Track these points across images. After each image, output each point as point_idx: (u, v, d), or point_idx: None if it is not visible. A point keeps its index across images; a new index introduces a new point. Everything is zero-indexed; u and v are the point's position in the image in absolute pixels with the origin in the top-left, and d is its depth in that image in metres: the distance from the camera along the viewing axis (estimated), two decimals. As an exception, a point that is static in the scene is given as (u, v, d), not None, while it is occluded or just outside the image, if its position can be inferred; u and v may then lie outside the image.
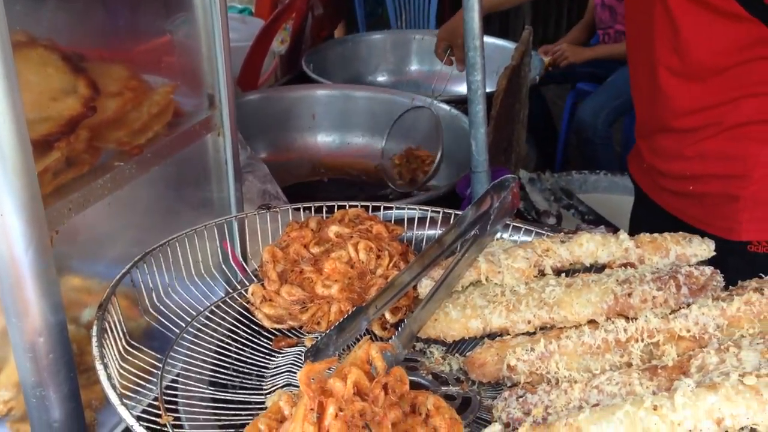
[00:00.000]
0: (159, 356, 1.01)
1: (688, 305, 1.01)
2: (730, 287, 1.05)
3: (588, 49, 4.26)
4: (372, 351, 0.87)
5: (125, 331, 0.99)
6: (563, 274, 1.16)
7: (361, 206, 1.33)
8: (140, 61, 1.19)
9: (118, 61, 1.15)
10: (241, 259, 1.31)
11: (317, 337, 1.12)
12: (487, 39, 3.24)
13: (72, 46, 1.08)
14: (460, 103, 2.80)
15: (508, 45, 3.22)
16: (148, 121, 1.15)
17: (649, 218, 1.85)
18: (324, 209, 1.33)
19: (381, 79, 3.62)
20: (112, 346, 0.94)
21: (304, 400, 0.78)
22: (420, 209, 1.37)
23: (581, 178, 3.18)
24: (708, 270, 1.04)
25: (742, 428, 0.82)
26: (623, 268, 1.13)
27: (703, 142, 1.60)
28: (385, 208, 1.39)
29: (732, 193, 1.60)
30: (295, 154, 2.91)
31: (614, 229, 2.09)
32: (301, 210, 1.32)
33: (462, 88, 3.40)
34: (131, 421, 0.80)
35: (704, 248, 1.14)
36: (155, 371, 0.99)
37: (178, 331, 1.07)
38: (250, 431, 0.85)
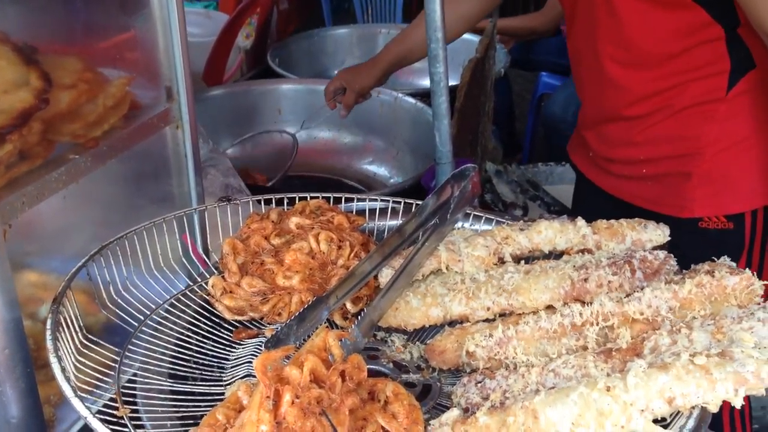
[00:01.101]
0: (118, 350, 1.00)
1: (643, 289, 1.03)
2: (683, 270, 1.07)
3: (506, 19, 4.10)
4: (329, 339, 0.87)
5: (82, 325, 0.98)
6: (522, 262, 1.17)
7: (322, 197, 1.33)
8: (95, 53, 1.18)
9: (72, 54, 1.14)
10: (201, 252, 1.30)
11: (278, 328, 1.12)
12: (451, 32, 3.26)
13: (24, 39, 1.06)
14: (425, 96, 2.81)
15: (473, 38, 3.24)
16: (103, 114, 1.14)
17: (593, 205, 1.92)
18: (285, 201, 1.33)
19: (347, 73, 3.60)
20: (67, 340, 0.93)
21: (260, 388, 0.78)
22: (381, 200, 1.37)
23: (547, 170, 3.21)
24: (662, 254, 1.06)
25: (692, 407, 0.84)
26: (581, 254, 1.15)
27: (654, 126, 1.65)
28: (347, 200, 1.39)
29: (685, 171, 1.64)
30: (262, 149, 2.90)
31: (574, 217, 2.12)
32: (262, 202, 1.32)
33: (425, 81, 3.43)
34: (85, 413, 0.80)
35: (659, 233, 1.16)
36: (115, 366, 0.98)
37: (137, 324, 1.06)
38: (208, 421, 0.85)
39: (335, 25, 4.19)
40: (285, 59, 3.32)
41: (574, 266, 1.08)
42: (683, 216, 1.66)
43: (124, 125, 1.18)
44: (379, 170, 2.81)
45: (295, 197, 1.33)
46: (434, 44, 1.86)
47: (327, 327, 0.90)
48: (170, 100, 1.29)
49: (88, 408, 0.82)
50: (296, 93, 2.95)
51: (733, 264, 1.05)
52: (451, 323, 1.12)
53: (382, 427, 0.86)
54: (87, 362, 0.96)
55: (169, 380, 1.00)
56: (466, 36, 3.41)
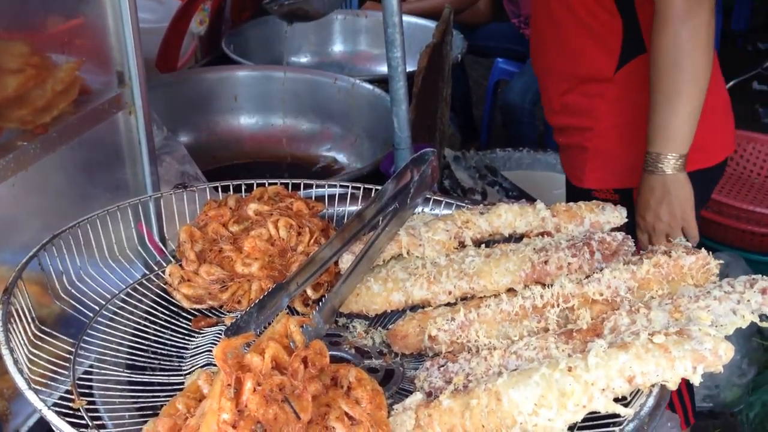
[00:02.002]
0: (73, 342, 0.98)
1: (602, 270, 1.04)
2: (641, 251, 1.08)
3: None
4: (290, 325, 0.86)
5: (35, 317, 0.95)
6: (483, 245, 1.17)
7: (281, 184, 1.32)
8: (43, 37, 1.14)
9: (18, 38, 1.10)
10: (158, 240, 1.28)
11: (238, 316, 1.10)
12: (408, 18, 3.26)
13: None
14: (382, 82, 2.80)
15: (429, 24, 3.24)
16: (52, 99, 1.10)
17: None
18: (243, 188, 1.31)
19: (304, 60, 3.58)
20: (19, 331, 0.90)
21: (221, 376, 0.76)
22: (340, 185, 1.36)
23: (505, 155, 3.23)
24: (620, 236, 1.07)
25: (652, 385, 0.85)
26: (540, 237, 1.15)
27: (564, 96, 1.79)
28: (305, 186, 1.37)
29: (583, 144, 1.77)
30: (217, 137, 2.85)
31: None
32: (219, 189, 1.30)
33: (383, 68, 3.42)
34: (39, 405, 0.77)
35: (616, 215, 1.18)
36: (70, 357, 0.95)
37: (92, 315, 1.04)
38: (168, 411, 0.83)
39: (291, 11, 4.13)
40: (240, 46, 3.27)
41: (534, 249, 1.08)
42: (582, 186, 1.81)
43: (74, 111, 1.15)
44: (338, 156, 2.79)
45: (253, 183, 1.31)
46: (391, 29, 1.85)
47: (288, 313, 0.89)
48: (122, 85, 1.26)
49: (43, 401, 0.79)
50: (252, 80, 2.91)
51: (689, 244, 1.07)
52: (413, 308, 1.12)
53: (346, 413, 0.85)
54: (41, 354, 0.93)
55: (126, 371, 0.98)
56: (423, 21, 3.42)
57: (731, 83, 4.96)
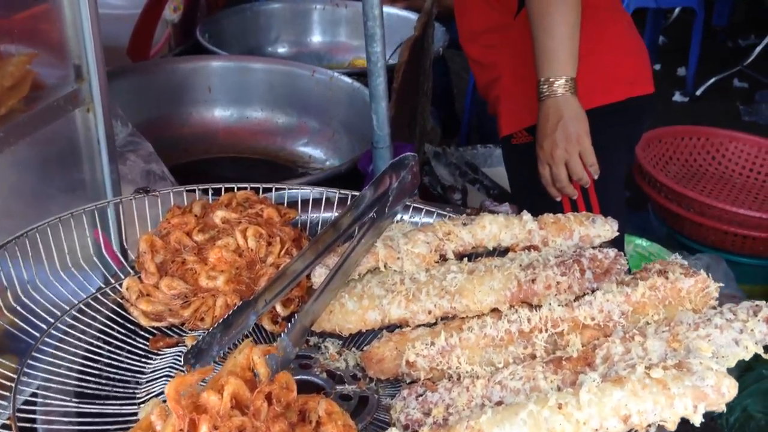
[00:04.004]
0: (15, 366, 0.89)
1: (593, 290, 0.97)
2: (633, 270, 1.01)
3: None
4: (254, 356, 0.78)
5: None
6: (465, 259, 1.10)
7: (251, 188, 1.23)
8: (-10, 28, 1.05)
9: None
10: (116, 250, 1.18)
11: (200, 336, 1.02)
12: (389, 10, 3.17)
13: None
14: (362, 75, 2.71)
15: (411, 16, 3.15)
16: (0, 95, 1.01)
17: None
18: (210, 192, 1.22)
19: (281, 50, 3.48)
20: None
21: (172, 419, 0.68)
22: (315, 190, 1.28)
23: (486, 152, 3.16)
24: (612, 252, 1.00)
25: (649, 425, 0.78)
26: (527, 251, 1.08)
27: (487, 50, 1.93)
28: (278, 189, 1.29)
29: (497, 93, 1.91)
30: (190, 129, 2.76)
31: (517, 209, 2.07)
32: (185, 193, 1.21)
33: (363, 60, 3.33)
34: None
35: (607, 229, 1.11)
36: (9, 384, 0.87)
37: (38, 335, 0.95)
38: (116, 452, 0.75)
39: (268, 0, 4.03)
40: (215, 35, 3.17)
41: (521, 265, 1.01)
42: (503, 136, 1.92)
43: (25, 108, 1.06)
44: (315, 152, 2.70)
45: (220, 187, 1.22)
46: (371, 22, 1.77)
47: (252, 342, 0.81)
48: (79, 79, 1.16)
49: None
50: (227, 70, 2.81)
51: (685, 262, 1.00)
52: (390, 327, 1.04)
53: (314, 452, 0.77)
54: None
55: (74, 400, 0.89)
56: (404, 13, 3.33)
57: (712, 80, 4.97)
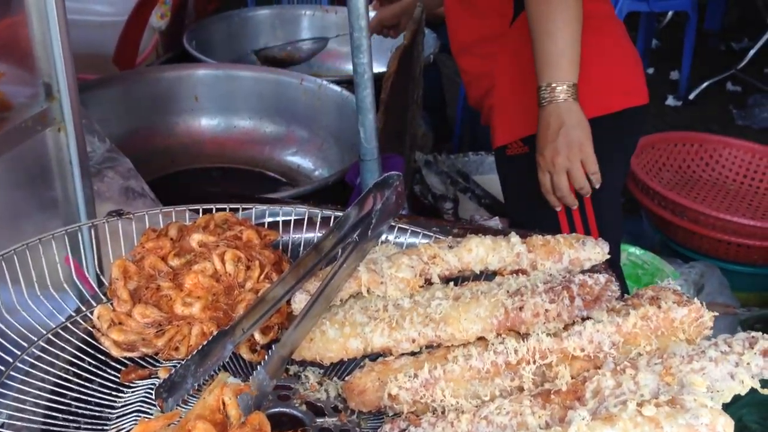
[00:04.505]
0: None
1: (583, 318, 0.93)
2: (625, 296, 0.98)
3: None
4: (225, 396, 0.74)
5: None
6: (451, 283, 1.06)
7: (230, 209, 1.19)
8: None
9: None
10: (89, 275, 1.14)
11: (174, 366, 0.98)
12: (379, 16, 3.12)
13: None
14: (351, 83, 2.68)
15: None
16: (-36, 118, 0.97)
17: None
18: (187, 214, 1.18)
19: (270, 57, 3.43)
20: None
21: (135, 469, 0.64)
22: (297, 209, 1.24)
23: (478, 159, 3.13)
24: (602, 278, 0.96)
25: (641, 466, 0.74)
26: (515, 275, 1.04)
27: (482, 60, 1.90)
28: (258, 207, 1.24)
29: (491, 104, 1.89)
30: (177, 139, 2.72)
31: (508, 223, 2.04)
32: (161, 215, 1.17)
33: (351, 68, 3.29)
34: None
35: (598, 251, 1.07)
36: (-29, 422, 0.83)
37: (2, 368, 0.90)
38: (78, 500, 0.70)
39: (257, 6, 3.99)
40: (203, 42, 3.13)
41: (508, 292, 0.97)
42: (497, 146, 1.89)
43: (-9, 130, 1.01)
44: (303, 162, 2.66)
45: (198, 209, 1.18)
46: (357, 33, 1.73)
47: (223, 382, 0.76)
48: (49, 98, 1.12)
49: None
50: (214, 79, 2.77)
51: (678, 288, 0.96)
52: (373, 356, 1.00)
53: (289, 497, 0.73)
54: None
55: (39, 439, 0.85)
56: (394, 21, 3.28)
57: (705, 84, 4.95)
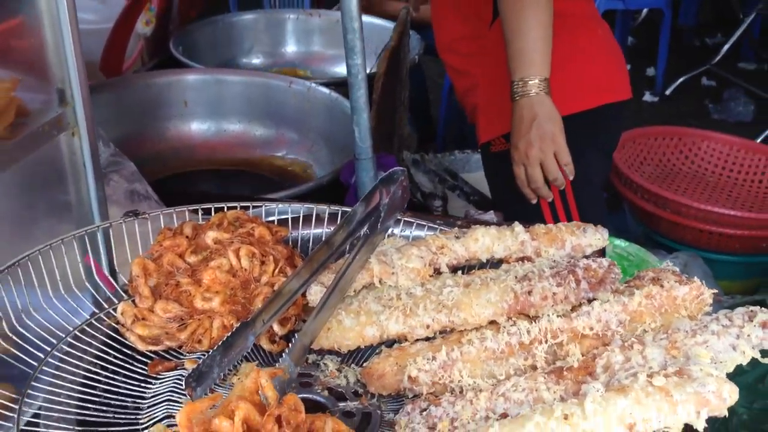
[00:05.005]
0: (15, 397, 0.88)
1: (589, 300, 0.98)
2: (627, 279, 1.03)
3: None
4: (262, 380, 0.78)
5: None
6: (459, 271, 1.11)
7: (241, 207, 1.23)
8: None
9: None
10: (108, 274, 1.17)
11: (199, 358, 1.02)
12: (364, 18, 3.17)
13: None
14: (340, 85, 2.72)
15: (386, 24, 3.16)
16: (-14, 124, 1.00)
17: None
18: (200, 212, 1.22)
19: (256, 61, 3.47)
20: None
21: (185, 447, 0.68)
22: (305, 206, 1.28)
23: (464, 157, 3.18)
24: (606, 262, 1.01)
25: (653, 432, 0.79)
26: (520, 262, 1.09)
27: (466, 58, 1.96)
28: (267, 206, 1.28)
29: (475, 102, 1.94)
30: (167, 144, 2.74)
31: (502, 216, 2.08)
32: (175, 215, 1.20)
33: (339, 69, 3.33)
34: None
35: (598, 238, 1.12)
36: (10, 414, 0.86)
37: (35, 363, 0.94)
38: (124, 482, 0.74)
39: (241, 11, 4.02)
40: (189, 47, 3.15)
41: (516, 277, 1.02)
42: (482, 143, 1.95)
43: (11, 135, 1.04)
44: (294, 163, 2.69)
45: (210, 207, 1.22)
46: (351, 35, 1.77)
47: (258, 366, 0.80)
48: (63, 104, 1.15)
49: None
50: (203, 83, 2.79)
51: (677, 269, 1.02)
52: (388, 343, 1.04)
53: (324, 473, 0.77)
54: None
55: (77, 428, 0.88)
56: (379, 22, 3.34)
57: (681, 79, 5.05)
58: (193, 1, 3.70)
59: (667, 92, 4.99)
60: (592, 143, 1.84)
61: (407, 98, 2.92)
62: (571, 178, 1.65)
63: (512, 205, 1.90)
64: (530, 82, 1.57)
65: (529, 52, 1.58)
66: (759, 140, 3.93)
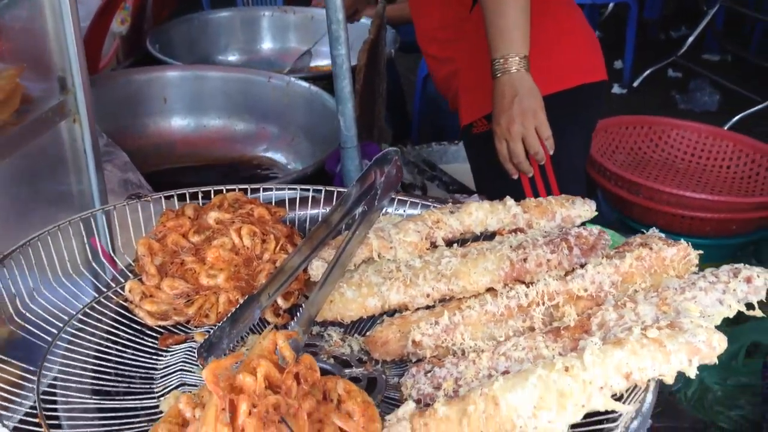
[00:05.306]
0: (33, 369, 0.90)
1: (582, 265, 1.03)
2: (617, 246, 1.08)
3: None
4: (279, 340, 0.81)
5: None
6: (455, 245, 1.15)
7: (239, 189, 1.26)
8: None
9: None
10: (113, 254, 1.20)
11: (207, 331, 1.05)
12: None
13: None
14: (318, 79, 2.76)
15: (363, 20, 3.20)
16: (-6, 109, 1.02)
17: None
18: (200, 195, 1.25)
19: (232, 58, 3.49)
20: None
21: (214, 400, 0.72)
22: (301, 189, 1.32)
23: (441, 149, 3.23)
24: (596, 230, 1.07)
25: (649, 380, 0.84)
26: (514, 234, 1.14)
27: (446, 44, 2.01)
28: (265, 189, 1.32)
29: (456, 86, 2.00)
30: (148, 140, 2.74)
31: (486, 199, 2.13)
32: (175, 198, 1.23)
33: (315, 65, 3.36)
34: None
35: (587, 209, 1.17)
36: (28, 384, 0.88)
37: (49, 338, 0.96)
38: (151, 440, 0.77)
39: (214, 8, 4.03)
40: (165, 45, 3.16)
41: (511, 246, 1.06)
42: (463, 125, 2.01)
43: (16, 121, 1.07)
44: (276, 157, 2.72)
45: (210, 190, 1.25)
46: (335, 25, 1.81)
47: (274, 328, 0.84)
48: (65, 91, 1.18)
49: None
50: (182, 80, 2.80)
51: (662, 234, 1.07)
52: (389, 313, 1.08)
53: (340, 428, 0.81)
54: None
55: (94, 397, 0.91)
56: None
57: (648, 71, 5.16)
58: (165, 1, 3.71)
59: (635, 84, 5.10)
60: (573, 121, 1.90)
61: (385, 91, 2.96)
62: (552, 152, 1.69)
63: (495, 185, 1.94)
64: (510, 60, 1.61)
65: (509, 30, 1.62)
66: (726, 128, 4.04)
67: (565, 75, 1.88)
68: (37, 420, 0.81)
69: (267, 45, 3.54)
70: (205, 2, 4.51)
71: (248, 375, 0.75)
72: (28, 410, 0.86)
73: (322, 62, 3.30)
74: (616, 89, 5.07)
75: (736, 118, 4.35)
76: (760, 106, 4.41)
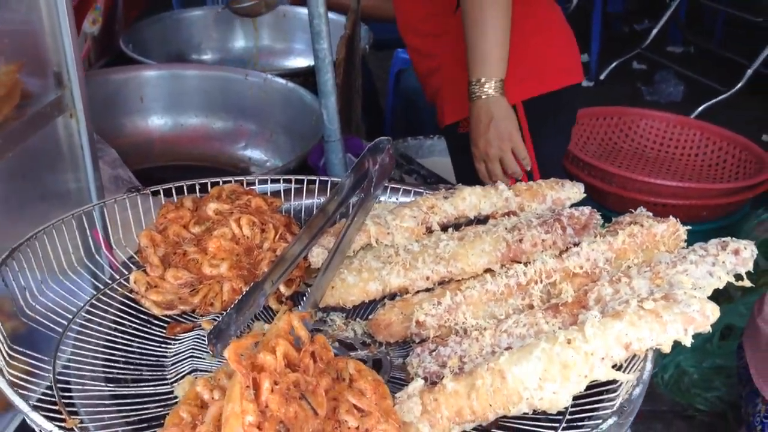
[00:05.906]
0: (47, 359, 0.92)
1: (575, 244, 1.07)
2: (607, 224, 1.12)
3: None
4: (294, 321, 0.84)
5: (5, 335, 0.89)
6: (450, 229, 1.18)
7: (236, 181, 1.28)
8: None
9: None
10: (114, 247, 1.21)
11: (214, 319, 1.07)
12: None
13: None
14: (295, 76, 2.77)
15: (338, 18, 3.22)
16: (-4, 104, 1.03)
17: None
18: (197, 188, 1.26)
19: (206, 57, 3.48)
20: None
21: (238, 378, 0.74)
22: (296, 180, 1.34)
23: (417, 143, 3.27)
24: (587, 210, 1.11)
25: (647, 349, 0.88)
26: (506, 217, 1.17)
27: (428, 39, 2.01)
28: (260, 182, 1.34)
29: (439, 83, 2.00)
30: (126, 140, 2.72)
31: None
32: (174, 191, 1.24)
33: (289, 63, 3.38)
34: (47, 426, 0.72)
35: (575, 191, 1.21)
36: (42, 373, 0.90)
37: (59, 329, 0.97)
38: (173, 421, 0.79)
39: (185, 8, 4.01)
40: (139, 45, 3.14)
41: (506, 228, 1.10)
42: (445, 125, 2.03)
43: (17, 116, 1.07)
44: (254, 154, 2.73)
45: (206, 183, 1.27)
46: (317, 20, 1.83)
47: (289, 310, 0.87)
48: (61, 87, 1.18)
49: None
50: (158, 79, 2.80)
51: (650, 213, 1.12)
52: (390, 296, 1.11)
53: (354, 405, 0.84)
54: (13, 372, 0.87)
55: (109, 385, 0.93)
56: (331, 16, 3.39)
57: (614, 64, 5.25)
58: (134, 1, 3.68)
59: (602, 77, 5.19)
60: (554, 123, 1.94)
61: (361, 86, 2.99)
62: (528, 169, 1.74)
63: (478, 181, 1.98)
64: (487, 84, 1.65)
65: (487, 53, 1.65)
66: (693, 117, 4.13)
67: (547, 76, 1.90)
68: (55, 407, 0.83)
69: (240, 44, 3.54)
70: (175, 2, 4.49)
71: (268, 354, 0.77)
72: (40, 396, 0.87)
73: (297, 61, 3.32)
74: (583, 82, 5.15)
75: (702, 107, 4.46)
76: (723, 96, 4.51)
